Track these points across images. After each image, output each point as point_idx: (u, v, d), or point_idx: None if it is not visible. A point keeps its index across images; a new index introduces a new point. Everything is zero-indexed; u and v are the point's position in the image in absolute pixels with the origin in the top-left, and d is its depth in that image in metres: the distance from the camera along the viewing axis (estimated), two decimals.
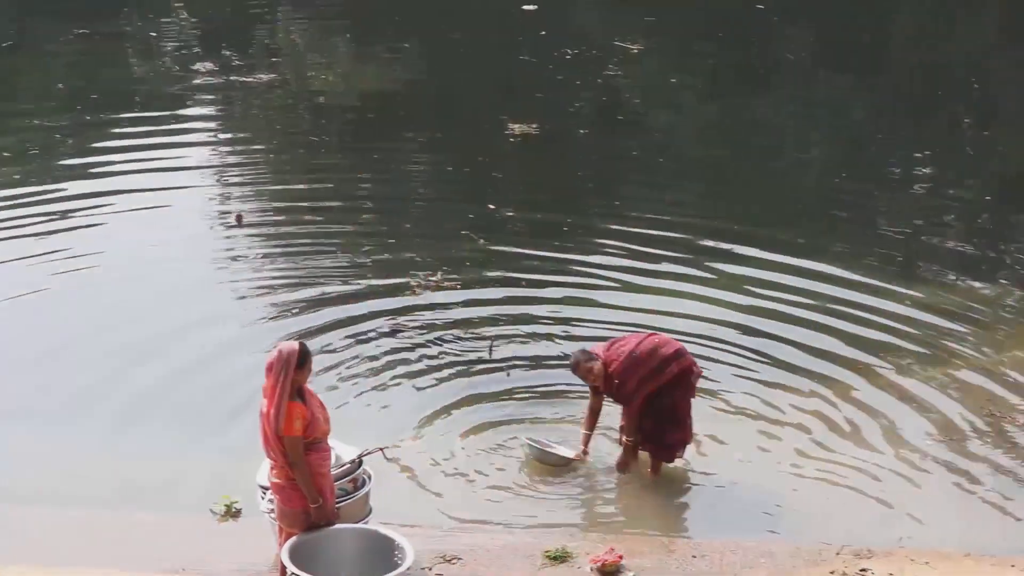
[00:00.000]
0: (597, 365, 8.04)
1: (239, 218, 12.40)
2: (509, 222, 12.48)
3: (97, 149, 14.76)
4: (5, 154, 14.16)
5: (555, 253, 11.71)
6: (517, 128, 14.98)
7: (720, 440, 8.70)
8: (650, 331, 8.51)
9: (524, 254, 11.66)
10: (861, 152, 15.21)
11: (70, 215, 12.37)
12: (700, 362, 8.40)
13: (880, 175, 14.33)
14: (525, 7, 20.47)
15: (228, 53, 18.10)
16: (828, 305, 10.68)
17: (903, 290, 11.04)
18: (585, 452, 8.34)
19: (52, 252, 11.41)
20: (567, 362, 8.35)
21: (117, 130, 15.32)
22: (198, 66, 17.50)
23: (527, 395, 9.29)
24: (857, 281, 11.17)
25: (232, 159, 14.52)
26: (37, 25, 19.08)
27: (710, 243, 11.97)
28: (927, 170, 14.59)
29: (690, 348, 8.36)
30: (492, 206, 12.77)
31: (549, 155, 14.72)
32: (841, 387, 9.46)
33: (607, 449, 8.49)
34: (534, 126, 15.08)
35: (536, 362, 9.69)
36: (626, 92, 17.48)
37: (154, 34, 19.04)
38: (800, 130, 16.31)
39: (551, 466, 8.37)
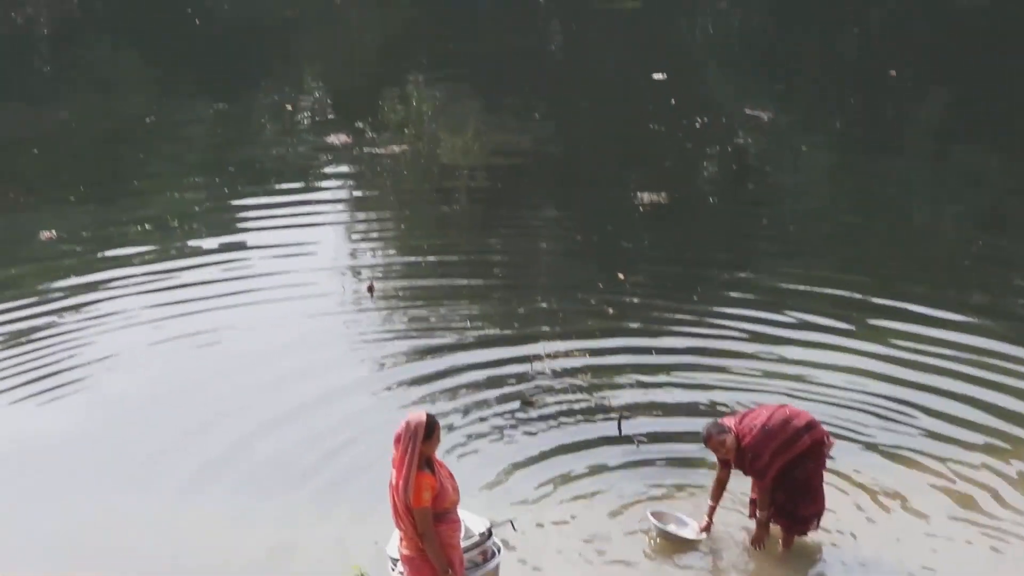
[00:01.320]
0: (729, 438, 7.96)
1: (371, 288, 12.54)
2: (638, 291, 12.42)
3: (232, 220, 15.04)
4: (144, 227, 14.49)
5: (685, 323, 11.62)
6: (646, 197, 14.95)
7: (858, 508, 8.55)
8: (781, 403, 8.42)
9: (653, 323, 11.59)
10: (997, 213, 14.93)
11: (207, 283, 12.60)
12: (833, 429, 8.28)
13: (1019, 234, 14.08)
14: (655, 76, 20.50)
15: (361, 125, 18.37)
16: (966, 370, 10.45)
17: None
18: (710, 525, 8.25)
19: (188, 316, 11.65)
20: (697, 434, 8.26)
21: (252, 201, 15.60)
22: (332, 138, 17.78)
23: (656, 467, 9.20)
24: (996, 347, 10.91)
25: (364, 229, 14.70)
26: (177, 101, 19.56)
27: (842, 309, 11.79)
28: None
29: (824, 414, 8.25)
30: (621, 275, 12.73)
31: (678, 223, 14.65)
32: (992, 450, 9.24)
33: (736, 523, 8.36)
34: (663, 195, 15.04)
35: (665, 433, 9.60)
36: (756, 159, 17.38)
37: (290, 107, 19.40)
38: (934, 193, 16.04)
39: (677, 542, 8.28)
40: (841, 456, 8.90)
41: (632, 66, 21.70)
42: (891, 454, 9.30)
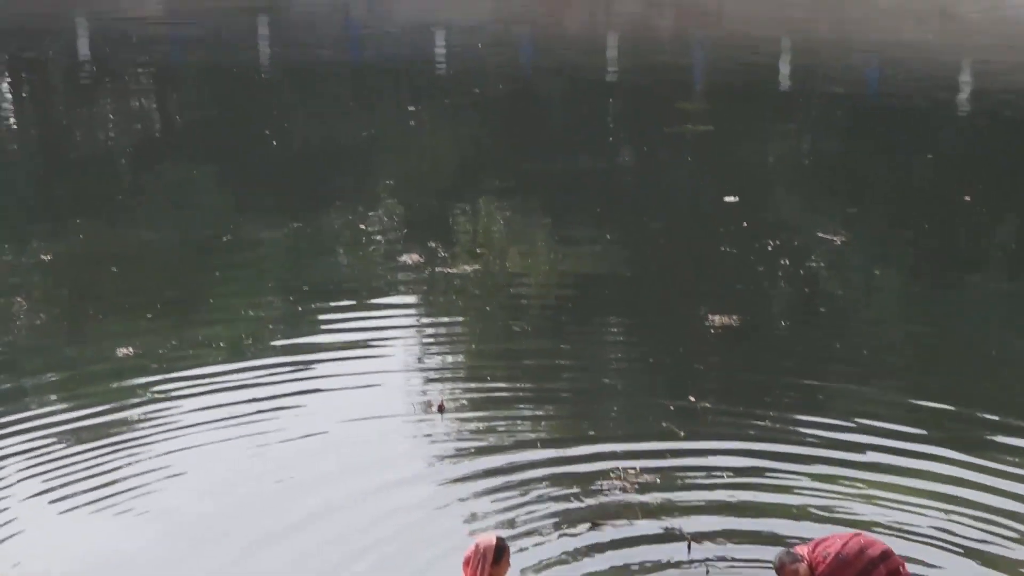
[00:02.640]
0: (803, 567, 7.86)
1: (441, 407, 12.57)
2: (709, 414, 12.37)
3: (303, 338, 15.17)
4: (218, 344, 14.64)
5: (757, 447, 11.53)
6: (717, 319, 14.93)
7: None
8: (855, 531, 8.31)
9: (724, 446, 11.52)
10: None
11: (276, 399, 12.71)
12: (909, 559, 8.15)
13: None
14: (726, 199, 20.55)
15: (433, 243, 18.51)
16: None
17: None
18: None
19: (258, 433, 11.72)
20: (770, 561, 8.16)
21: (324, 318, 15.76)
22: (404, 257, 17.93)
23: None
24: None
25: (434, 348, 14.78)
26: (253, 220, 19.83)
27: (918, 434, 11.66)
28: None
29: (899, 542, 8.12)
30: (692, 398, 12.69)
31: (750, 346, 14.60)
32: None
33: None
34: (735, 317, 15.02)
35: (737, 561, 9.49)
36: (828, 283, 17.31)
37: (363, 226, 19.60)
38: (1009, 318, 15.89)
39: None
40: None
41: (703, 189, 21.79)
42: None
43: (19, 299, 16.16)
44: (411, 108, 26.68)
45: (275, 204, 20.67)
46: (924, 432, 11.68)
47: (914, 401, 12.90)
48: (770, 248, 18.27)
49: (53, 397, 13.09)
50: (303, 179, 22.27)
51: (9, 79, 29.47)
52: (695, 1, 41.82)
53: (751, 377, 13.61)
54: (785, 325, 15.74)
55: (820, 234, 18.75)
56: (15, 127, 26.00)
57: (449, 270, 17.48)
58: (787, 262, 17.73)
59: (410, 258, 17.97)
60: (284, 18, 39.29)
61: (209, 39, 34.99)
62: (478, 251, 18.79)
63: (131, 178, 22.53)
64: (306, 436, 11.85)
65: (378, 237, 19.60)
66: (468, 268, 17.54)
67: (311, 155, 23.59)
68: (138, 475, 11.14)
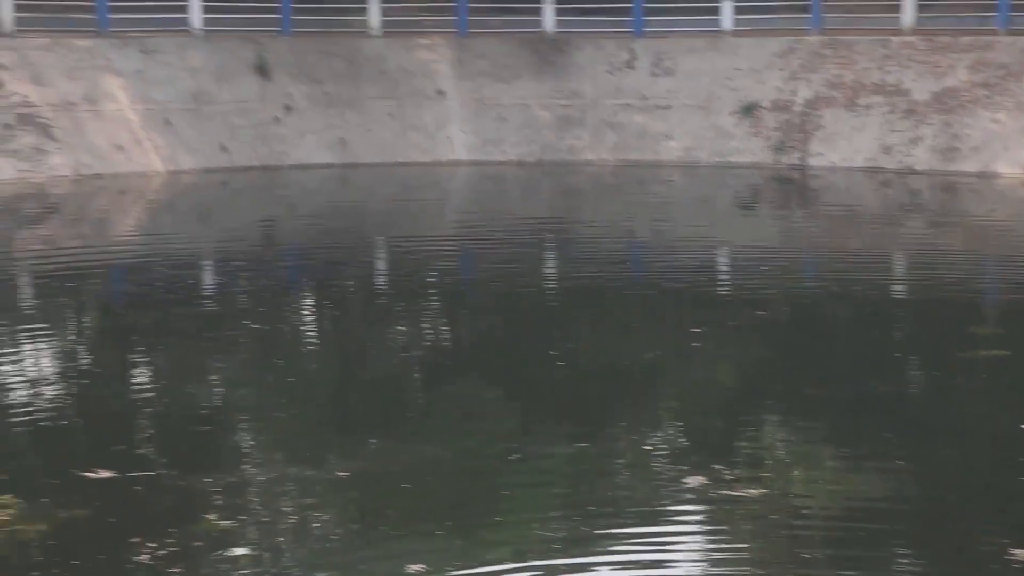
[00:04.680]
0: None
1: None
2: None
3: (587, 558, 15.22)
4: (506, 564, 14.81)
5: None
6: (1020, 553, 14.32)
7: None
8: None
9: None
10: None
11: None
12: None
13: None
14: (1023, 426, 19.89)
15: (718, 465, 18.42)
16: None
17: None
18: None
19: None
20: None
21: (606, 533, 15.84)
22: (688, 479, 17.89)
23: None
24: None
25: (719, 570, 14.61)
26: (539, 438, 20.16)
27: None
28: None
29: None
30: None
31: None
32: None
33: None
34: None
35: None
36: None
37: (646, 447, 19.68)
38: None
39: None
40: None
41: (999, 415, 21.14)
42: None
43: (316, 514, 16.76)
44: (694, 330, 26.86)
45: (560, 424, 20.96)
46: None
47: None
48: None
49: None
50: (587, 399, 22.57)
51: (313, 303, 31.08)
52: (982, 223, 41.23)
53: None
54: None
55: None
56: (316, 348, 27.28)
57: (733, 493, 17.33)
58: None
59: (693, 480, 17.92)
60: (571, 234, 40.46)
61: (495, 256, 36.19)
62: (763, 475, 18.59)
63: (421, 396, 23.25)
64: None
65: (661, 458, 19.64)
66: (753, 492, 17.36)
67: (595, 375, 23.92)
68: None
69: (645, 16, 55.63)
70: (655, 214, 45.45)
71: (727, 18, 55.00)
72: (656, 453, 19.62)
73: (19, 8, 49.87)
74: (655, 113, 54.13)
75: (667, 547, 15.27)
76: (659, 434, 20.79)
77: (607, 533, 16.09)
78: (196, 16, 52.53)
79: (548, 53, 55.35)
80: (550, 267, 35.43)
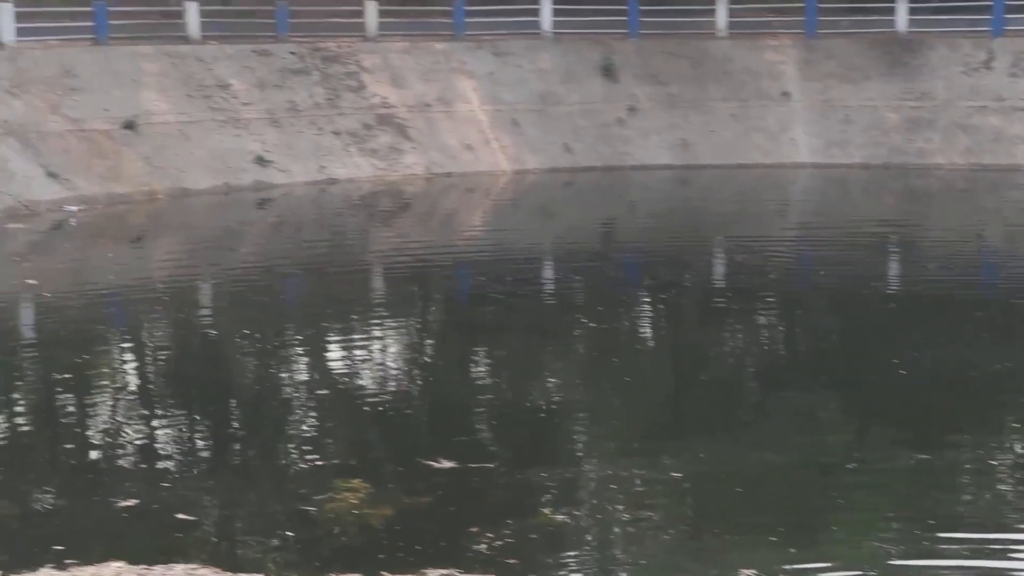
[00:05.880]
0: None
1: None
2: None
3: (927, 562, 14.90)
4: (839, 572, 14.58)
5: None
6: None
7: None
8: None
9: None
10: None
11: None
12: None
13: None
14: None
15: None
16: None
17: None
18: None
19: None
20: None
21: (945, 547, 15.43)
22: None
23: None
24: None
25: None
26: (878, 449, 19.73)
27: None
28: None
29: None
30: None
31: None
32: None
33: None
34: None
35: None
36: None
37: (992, 462, 18.97)
38: None
39: None
40: None
41: None
42: None
43: (649, 513, 16.90)
44: None
45: (901, 433, 20.44)
46: None
47: None
48: None
49: None
50: (929, 410, 21.91)
51: (651, 302, 31.28)
52: None
53: None
54: None
55: None
56: (652, 347, 27.48)
57: None
58: None
59: None
60: (918, 239, 39.38)
61: (836, 260, 35.54)
62: None
63: (755, 400, 23.08)
64: None
65: (1007, 473, 18.92)
66: None
67: (938, 385, 23.19)
68: None
69: (1005, 15, 53.42)
70: (1010, 221, 43.62)
71: None
72: (1002, 468, 18.90)
73: (382, 14, 52.07)
74: (1013, 115, 51.84)
75: (1010, 555, 14.71)
76: (1006, 448, 20.03)
77: (946, 543, 15.61)
78: (547, 19, 53.57)
79: (900, 53, 53.87)
80: (894, 272, 34.53)
